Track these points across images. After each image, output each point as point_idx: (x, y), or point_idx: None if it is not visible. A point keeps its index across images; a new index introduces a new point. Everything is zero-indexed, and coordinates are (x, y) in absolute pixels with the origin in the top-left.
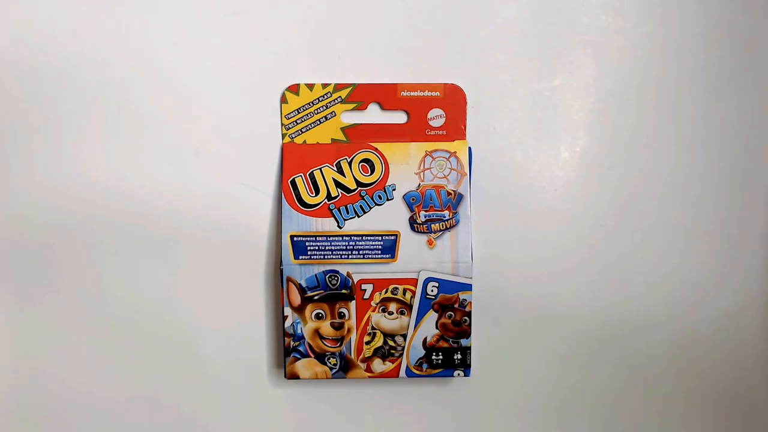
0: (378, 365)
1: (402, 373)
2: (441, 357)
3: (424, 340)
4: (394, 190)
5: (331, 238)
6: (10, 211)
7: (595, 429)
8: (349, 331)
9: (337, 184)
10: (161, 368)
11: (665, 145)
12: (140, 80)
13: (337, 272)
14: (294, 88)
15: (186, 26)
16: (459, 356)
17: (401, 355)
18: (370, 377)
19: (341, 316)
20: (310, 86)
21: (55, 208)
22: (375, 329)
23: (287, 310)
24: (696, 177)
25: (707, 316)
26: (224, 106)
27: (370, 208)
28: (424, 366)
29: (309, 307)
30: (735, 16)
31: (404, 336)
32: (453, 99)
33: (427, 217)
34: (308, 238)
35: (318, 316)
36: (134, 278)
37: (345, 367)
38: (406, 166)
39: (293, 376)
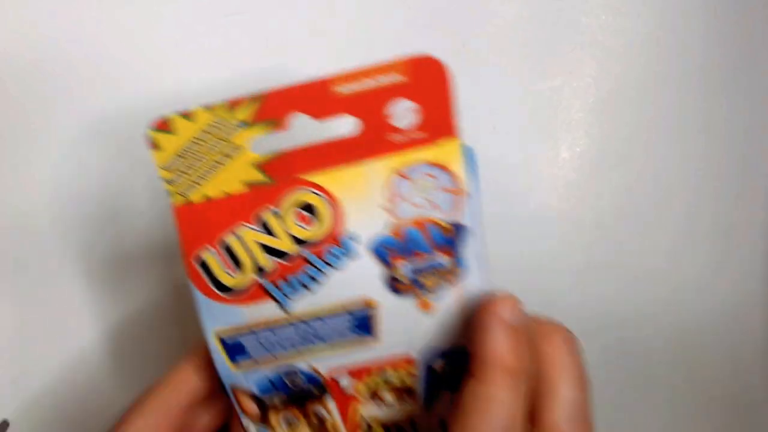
0: None
1: None
2: None
3: (443, 422)
4: (354, 240)
5: (276, 329)
6: (9, 211)
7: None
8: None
9: (267, 250)
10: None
11: (665, 145)
12: (140, 80)
13: (297, 371)
14: (163, 125)
15: (186, 26)
16: None
17: None
18: None
19: (319, 417)
20: (188, 115)
21: (53, 209)
22: (370, 425)
23: (246, 422)
24: (695, 177)
25: (707, 316)
26: None
27: (325, 274)
28: None
29: (273, 415)
30: (735, 16)
31: (413, 427)
32: (426, 78)
33: (412, 270)
34: (244, 336)
35: (290, 423)
36: (133, 278)
37: None
38: (367, 201)
39: None
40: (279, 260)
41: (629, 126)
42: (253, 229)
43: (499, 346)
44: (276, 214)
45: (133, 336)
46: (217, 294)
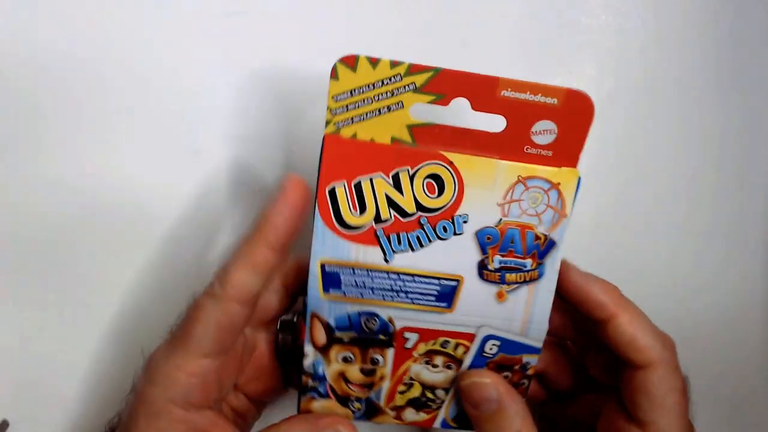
0: (410, 414)
1: (437, 423)
2: None
3: None
4: (465, 222)
5: (373, 274)
6: (8, 211)
7: None
8: (381, 378)
9: (391, 204)
10: None
11: (665, 145)
12: (139, 80)
13: (377, 316)
14: (350, 61)
15: (185, 25)
16: None
17: (439, 407)
18: (398, 424)
19: (374, 362)
20: (374, 61)
21: (53, 209)
22: (413, 380)
23: (308, 348)
24: (695, 177)
25: (707, 316)
26: (228, 103)
27: (430, 241)
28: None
29: (335, 348)
30: (734, 16)
31: (446, 390)
32: (573, 111)
33: (502, 264)
34: (344, 270)
35: (346, 360)
36: (134, 278)
37: (370, 413)
38: (487, 192)
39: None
40: (398, 216)
41: (629, 126)
42: (386, 181)
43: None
44: (410, 176)
45: (136, 337)
46: (336, 226)
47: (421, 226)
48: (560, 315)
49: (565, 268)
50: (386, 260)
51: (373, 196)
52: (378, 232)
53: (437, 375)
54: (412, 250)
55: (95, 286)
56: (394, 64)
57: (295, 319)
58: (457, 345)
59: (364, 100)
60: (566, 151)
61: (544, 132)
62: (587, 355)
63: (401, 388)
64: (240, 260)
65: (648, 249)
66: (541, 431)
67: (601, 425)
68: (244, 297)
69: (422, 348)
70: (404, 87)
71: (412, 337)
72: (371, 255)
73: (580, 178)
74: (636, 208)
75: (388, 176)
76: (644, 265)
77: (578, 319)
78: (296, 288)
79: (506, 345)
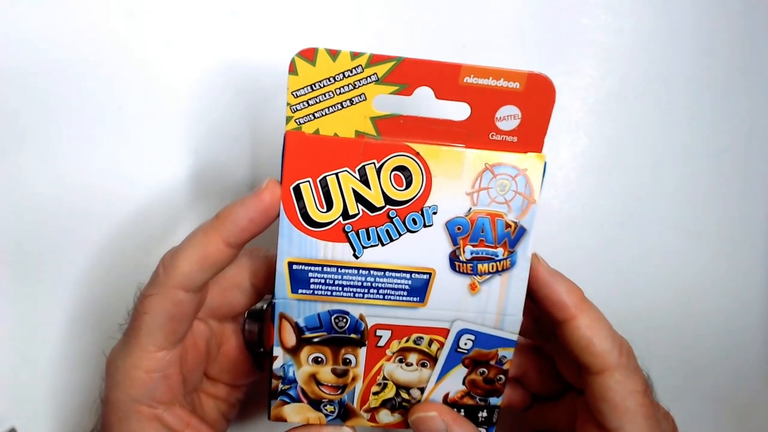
0: (385, 416)
1: None
2: (463, 414)
3: (446, 396)
4: (434, 213)
5: (343, 271)
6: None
7: None
8: (354, 379)
9: (359, 198)
10: None
11: (665, 145)
12: (139, 80)
13: (347, 314)
14: (309, 54)
15: (183, 25)
16: (485, 414)
17: None
18: (373, 426)
19: (346, 362)
20: (333, 53)
21: (51, 210)
22: (387, 380)
23: (277, 350)
24: (696, 177)
25: (707, 316)
26: (222, 103)
27: (400, 234)
28: None
29: (306, 350)
30: (735, 16)
31: (422, 390)
32: (537, 95)
33: (474, 254)
34: (312, 269)
35: (317, 361)
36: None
37: (344, 416)
38: (455, 182)
39: (279, 419)
40: (366, 211)
41: (629, 126)
42: (353, 176)
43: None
44: (376, 169)
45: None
46: (302, 224)
47: (391, 220)
48: (527, 316)
49: (534, 262)
50: (356, 256)
51: (339, 192)
52: (346, 228)
53: (412, 374)
54: (382, 244)
55: (93, 287)
56: (354, 55)
57: (263, 307)
58: (431, 341)
59: (325, 94)
60: (531, 136)
61: (509, 117)
62: (558, 357)
63: (375, 388)
64: (190, 250)
65: (648, 249)
66: None
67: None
68: (190, 286)
69: (395, 346)
70: (366, 78)
71: (385, 335)
72: (340, 252)
73: (546, 163)
74: (636, 208)
75: (354, 171)
76: (644, 266)
77: (543, 319)
78: (265, 287)
79: (481, 339)
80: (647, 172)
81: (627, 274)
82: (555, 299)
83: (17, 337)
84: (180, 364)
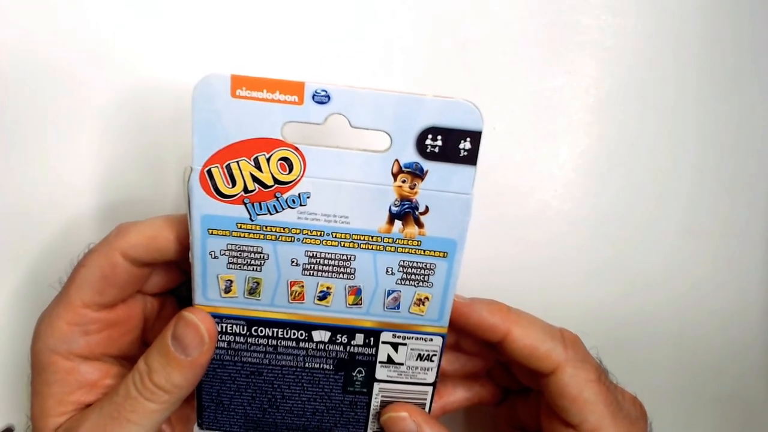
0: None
1: None
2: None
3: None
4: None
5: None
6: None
7: None
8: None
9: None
10: None
11: (665, 145)
12: (137, 79)
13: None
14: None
15: (181, 25)
16: None
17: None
18: None
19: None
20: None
21: (49, 210)
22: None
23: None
24: (696, 177)
25: (707, 317)
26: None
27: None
28: None
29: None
30: (734, 16)
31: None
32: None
33: None
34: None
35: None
36: None
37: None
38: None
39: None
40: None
41: (629, 126)
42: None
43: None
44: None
45: None
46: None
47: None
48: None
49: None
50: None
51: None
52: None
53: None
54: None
55: None
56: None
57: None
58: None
59: None
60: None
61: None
62: (511, 366)
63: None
64: (145, 226)
65: (648, 250)
66: None
67: (543, 428)
68: (130, 255)
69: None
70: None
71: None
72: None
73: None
74: (636, 208)
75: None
76: (644, 266)
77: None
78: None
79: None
80: (647, 172)
81: (626, 274)
82: (482, 325)
83: (15, 336)
84: (108, 326)
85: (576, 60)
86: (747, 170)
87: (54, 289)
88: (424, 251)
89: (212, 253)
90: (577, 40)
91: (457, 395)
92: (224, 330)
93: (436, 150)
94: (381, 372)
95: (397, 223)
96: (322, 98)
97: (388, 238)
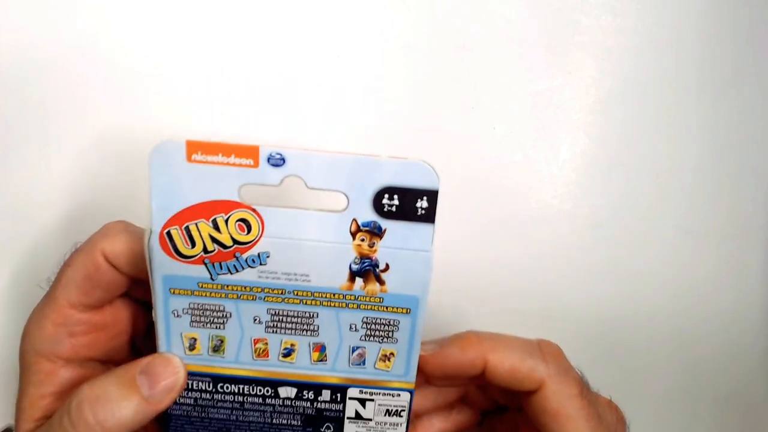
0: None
1: None
2: None
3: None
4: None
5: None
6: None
7: None
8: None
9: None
10: None
11: (665, 146)
12: (135, 79)
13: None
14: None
15: (179, 26)
16: None
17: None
18: None
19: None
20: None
21: (47, 210)
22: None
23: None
24: (696, 177)
25: (707, 317)
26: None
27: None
28: None
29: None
30: (734, 16)
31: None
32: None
33: None
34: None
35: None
36: None
37: None
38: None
39: None
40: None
41: (629, 126)
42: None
43: None
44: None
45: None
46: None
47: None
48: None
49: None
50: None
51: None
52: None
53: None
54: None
55: None
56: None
57: None
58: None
59: None
60: None
61: None
62: (489, 388)
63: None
64: (130, 236)
65: (648, 250)
66: None
67: None
68: (111, 259)
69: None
70: None
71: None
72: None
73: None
74: (635, 208)
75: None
76: (644, 266)
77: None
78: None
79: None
80: (647, 172)
81: (626, 274)
82: (460, 366)
83: (15, 336)
84: (95, 328)
85: (576, 60)
86: (747, 170)
87: (42, 289)
88: (387, 308)
89: (175, 311)
90: (577, 40)
91: (434, 428)
92: (191, 387)
93: (393, 209)
94: (349, 428)
95: (359, 281)
96: (277, 161)
97: (350, 295)
